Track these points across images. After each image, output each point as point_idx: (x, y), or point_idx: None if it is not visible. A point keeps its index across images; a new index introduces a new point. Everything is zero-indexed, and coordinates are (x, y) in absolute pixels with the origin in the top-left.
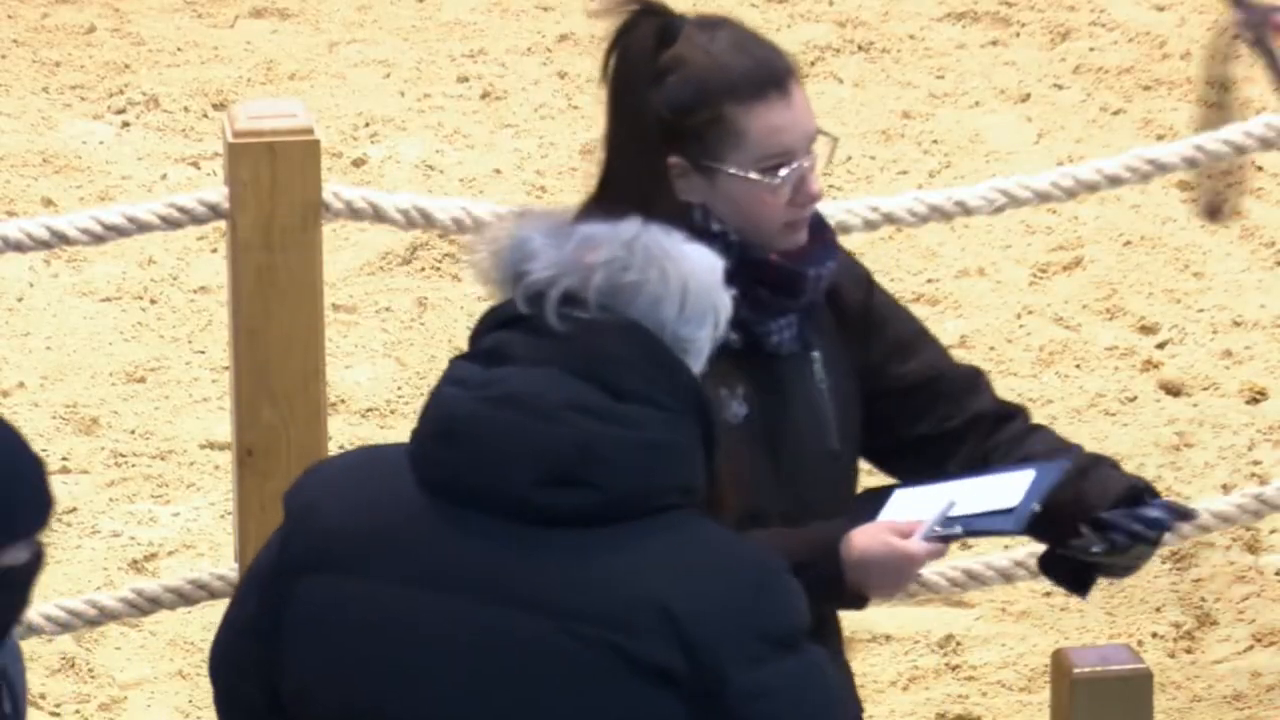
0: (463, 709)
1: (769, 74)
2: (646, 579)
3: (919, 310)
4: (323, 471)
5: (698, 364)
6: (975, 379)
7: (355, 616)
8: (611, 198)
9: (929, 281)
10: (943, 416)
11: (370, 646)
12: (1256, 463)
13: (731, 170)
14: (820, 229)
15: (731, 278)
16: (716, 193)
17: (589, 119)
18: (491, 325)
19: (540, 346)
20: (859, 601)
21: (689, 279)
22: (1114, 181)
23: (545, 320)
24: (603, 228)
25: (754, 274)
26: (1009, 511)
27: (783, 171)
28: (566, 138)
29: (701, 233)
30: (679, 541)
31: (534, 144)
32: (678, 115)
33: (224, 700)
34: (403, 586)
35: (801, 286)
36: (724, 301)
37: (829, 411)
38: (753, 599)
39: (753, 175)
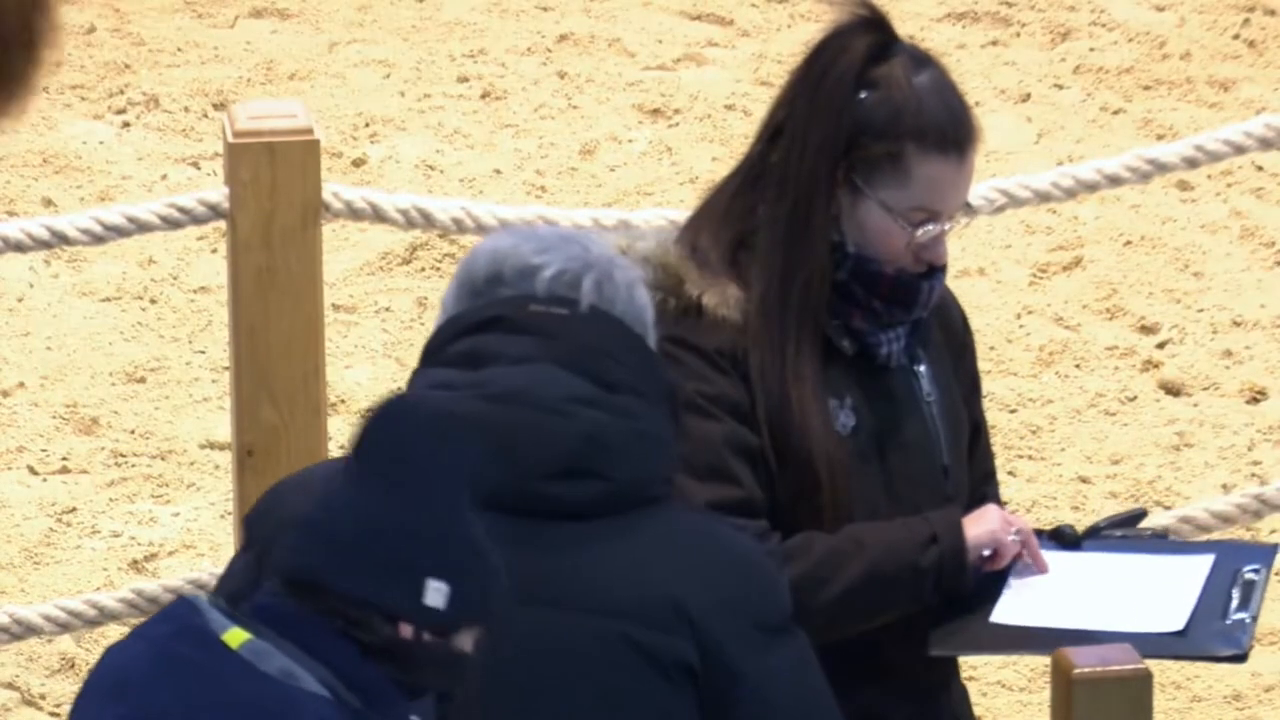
0: (475, 709)
1: (957, 133)
2: (653, 570)
3: None
4: (291, 484)
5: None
6: (989, 441)
7: None
8: (775, 187)
9: None
10: (974, 469)
11: None
12: (1256, 463)
13: (879, 203)
14: None
15: (848, 288)
16: (852, 212)
17: (589, 119)
18: (459, 332)
19: (524, 344)
20: (962, 584)
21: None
22: (1114, 181)
23: (525, 319)
24: (559, 232)
25: (869, 286)
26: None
27: (927, 227)
28: (566, 138)
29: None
30: (678, 532)
31: (534, 144)
32: (861, 135)
33: None
34: None
35: (915, 299)
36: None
37: (938, 426)
38: (752, 588)
39: (897, 217)
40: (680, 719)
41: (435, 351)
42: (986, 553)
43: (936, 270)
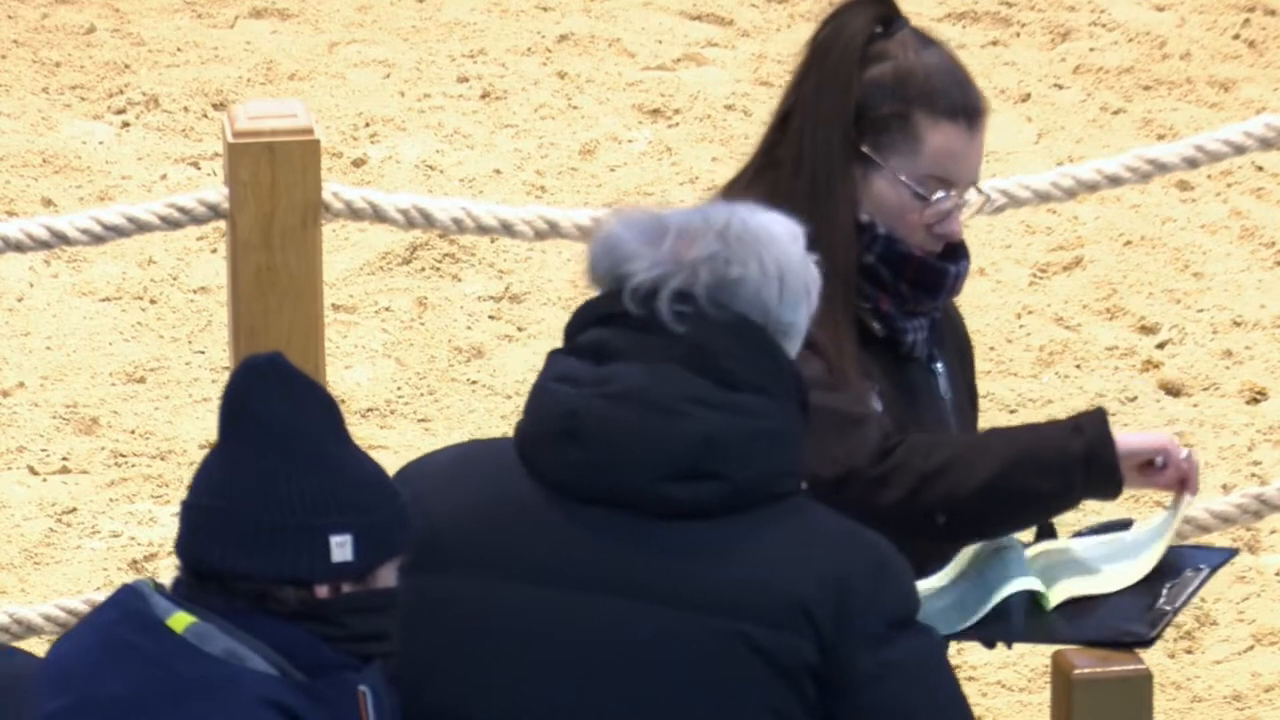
0: (587, 710)
1: (966, 102)
2: (775, 568)
3: None
4: (426, 465)
5: (795, 346)
6: None
7: (470, 613)
8: (790, 166)
9: None
10: None
11: (488, 643)
12: (1256, 463)
13: (890, 172)
14: None
15: (876, 271)
16: (868, 186)
17: (589, 119)
18: (589, 321)
19: (649, 343)
20: (1113, 482)
21: (784, 263)
22: (1114, 181)
23: (656, 318)
24: (694, 217)
25: (896, 268)
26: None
27: (938, 194)
28: (566, 138)
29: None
30: (802, 529)
31: (534, 144)
32: (869, 102)
33: None
34: (521, 584)
35: (942, 284)
36: (814, 276)
37: (953, 426)
38: (876, 583)
39: (910, 187)
40: (796, 718)
41: (570, 336)
42: (1159, 460)
43: (960, 256)
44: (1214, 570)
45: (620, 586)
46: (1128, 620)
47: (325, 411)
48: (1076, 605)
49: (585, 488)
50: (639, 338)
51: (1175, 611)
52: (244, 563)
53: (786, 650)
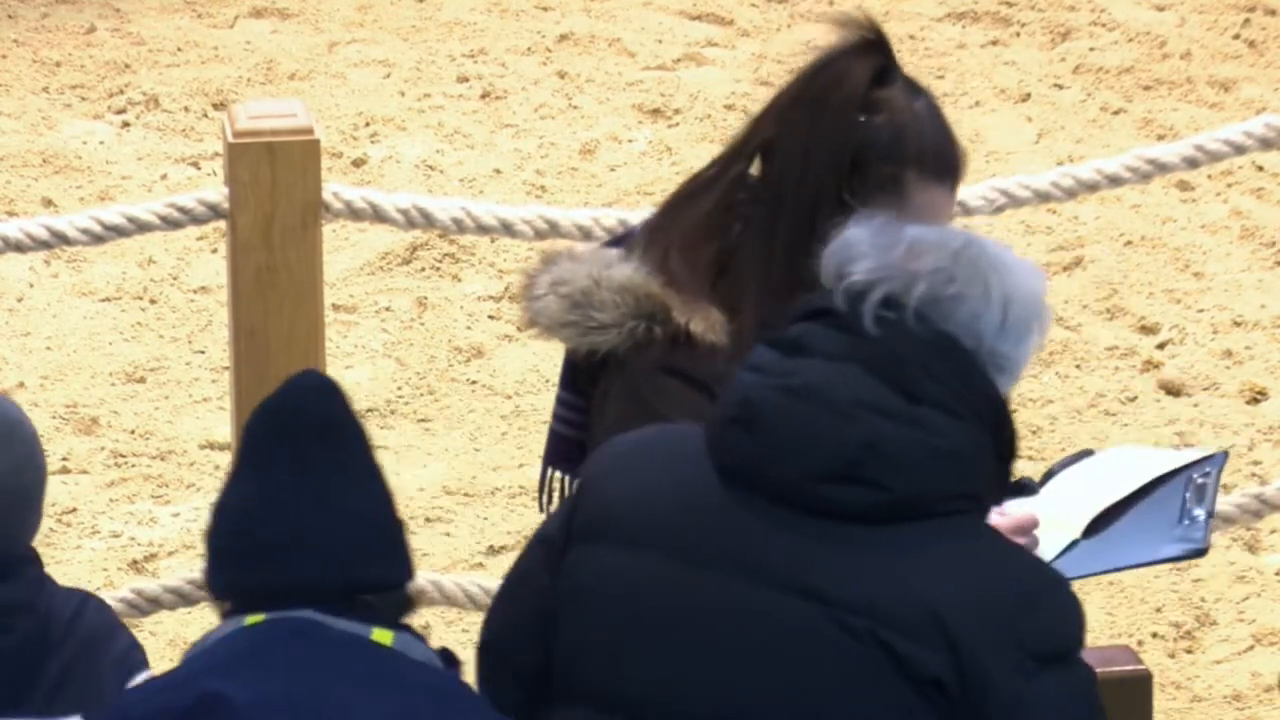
0: (725, 689)
1: (952, 161)
2: (920, 581)
3: None
4: (619, 445)
5: (1011, 380)
6: None
7: (630, 589)
8: (769, 206)
9: None
10: None
11: (642, 620)
12: (1256, 463)
13: None
14: None
15: None
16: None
17: (589, 119)
18: (798, 315)
19: (842, 342)
20: None
21: (1012, 294)
22: (1114, 181)
23: (859, 319)
24: (932, 234)
25: None
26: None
27: None
28: (566, 138)
29: None
30: (958, 548)
31: (534, 144)
32: (864, 158)
33: (492, 673)
34: (680, 564)
35: None
36: (1046, 317)
37: None
38: (1021, 611)
39: None
40: None
41: (781, 327)
42: None
43: None
44: (1220, 470)
45: (771, 577)
46: (1169, 539)
47: (361, 436)
48: (1104, 539)
49: (749, 476)
50: (835, 336)
51: (1210, 515)
52: (401, 572)
53: (920, 664)
